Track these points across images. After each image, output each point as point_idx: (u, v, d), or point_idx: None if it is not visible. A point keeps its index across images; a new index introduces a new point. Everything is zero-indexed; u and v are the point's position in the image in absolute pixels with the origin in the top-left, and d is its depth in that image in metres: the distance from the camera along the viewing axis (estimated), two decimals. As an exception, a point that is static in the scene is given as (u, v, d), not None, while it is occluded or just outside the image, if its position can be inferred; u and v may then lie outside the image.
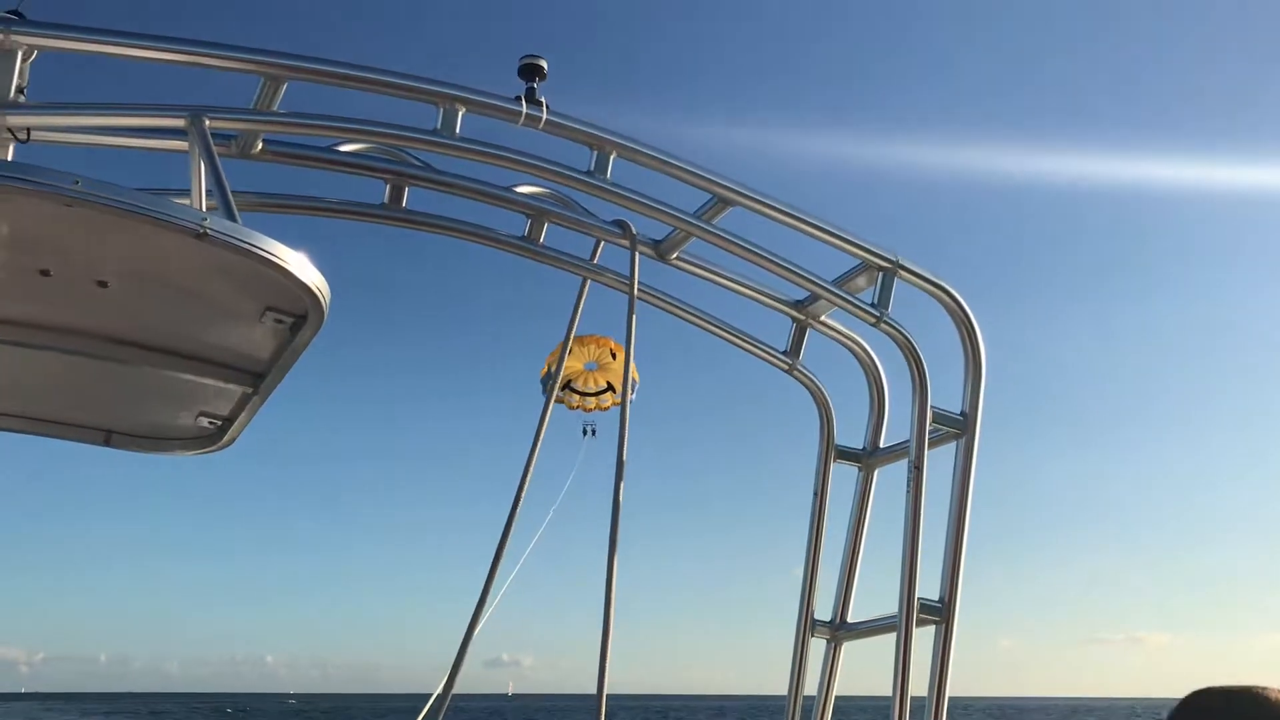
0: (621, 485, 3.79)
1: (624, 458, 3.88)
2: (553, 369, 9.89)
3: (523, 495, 5.08)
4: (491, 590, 5.06)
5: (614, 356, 11.67)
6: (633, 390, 11.15)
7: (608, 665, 3.66)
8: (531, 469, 5.07)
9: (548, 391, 5.55)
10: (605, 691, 3.62)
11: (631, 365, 10.30)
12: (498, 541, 5.02)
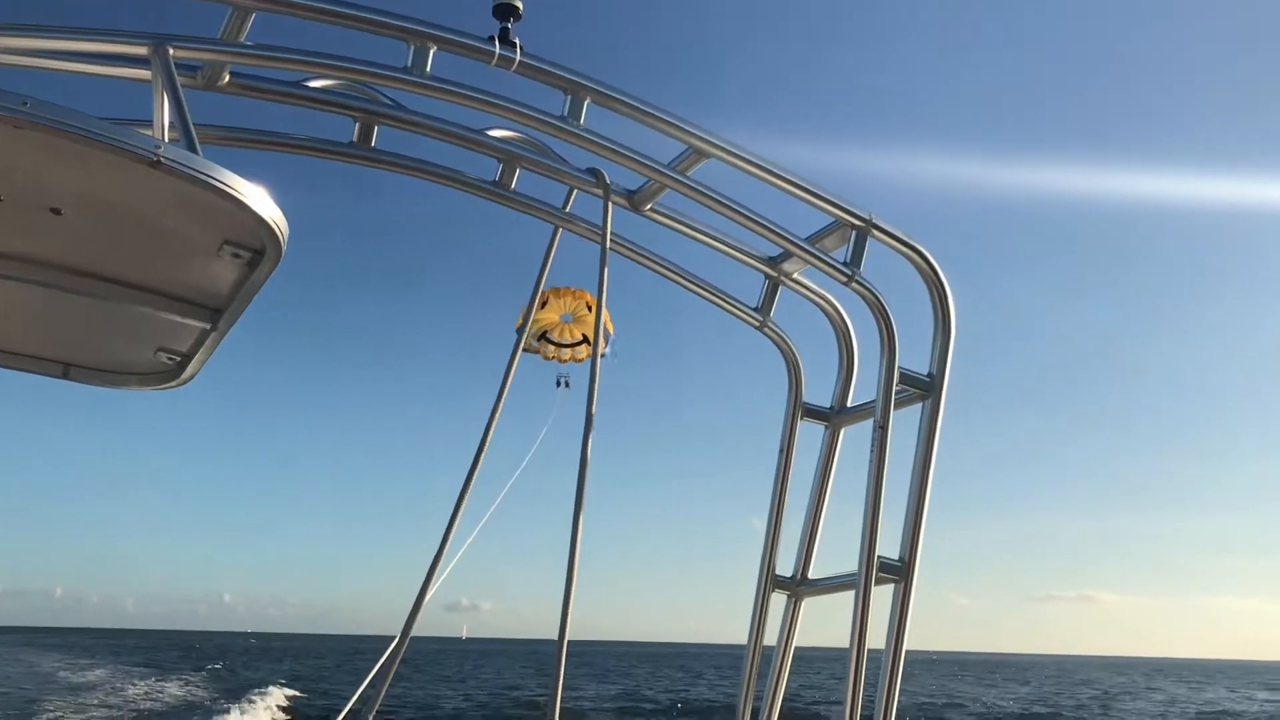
0: (589, 439, 3.77)
1: (593, 411, 3.84)
2: (528, 319, 9.83)
3: (487, 444, 5.04)
4: (452, 539, 5.04)
5: (590, 309, 11.66)
6: (606, 342, 11.14)
7: (570, 612, 3.64)
8: (497, 417, 5.04)
9: (516, 340, 5.50)
10: (567, 637, 3.61)
11: (606, 317, 10.26)
12: (460, 488, 5.00)
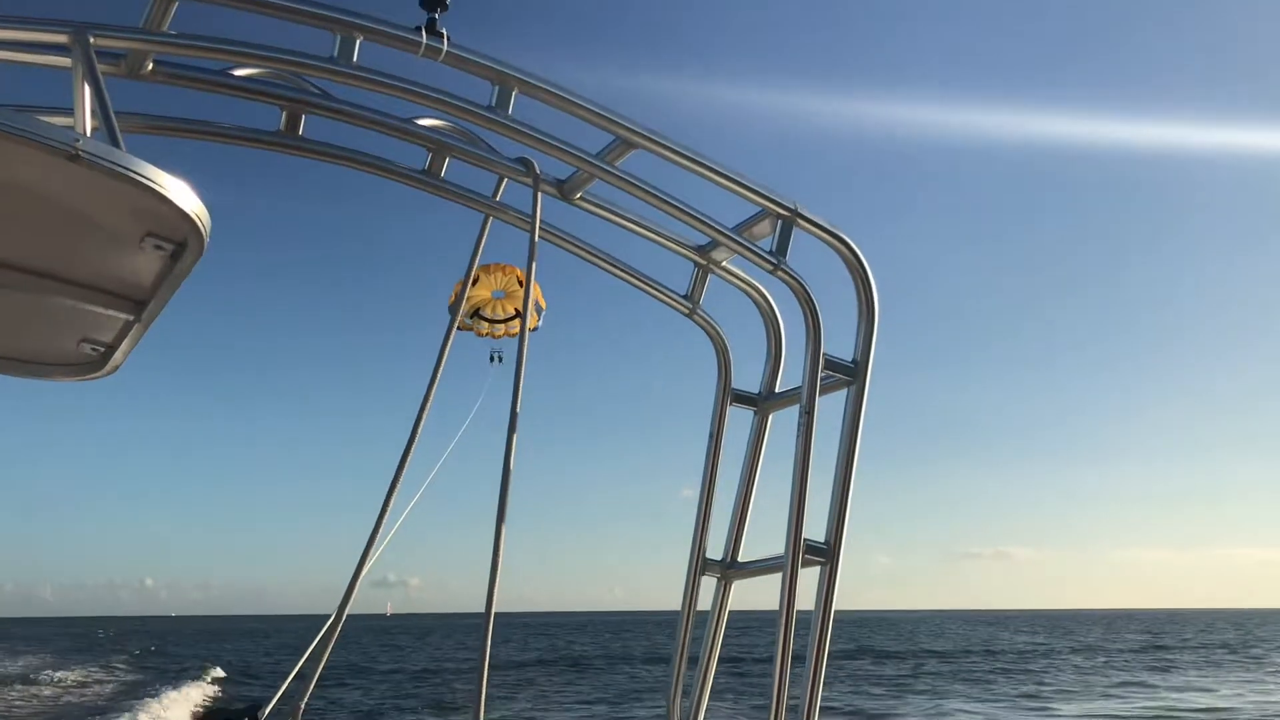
0: (517, 416, 3.81)
1: (520, 388, 3.88)
2: (460, 295, 9.84)
3: (423, 421, 5.06)
4: (388, 516, 5.04)
5: (520, 284, 11.71)
6: (539, 317, 11.21)
7: (496, 585, 3.68)
8: (433, 394, 5.04)
9: (450, 319, 5.51)
10: (494, 609, 3.65)
11: (538, 291, 10.31)
12: (396, 465, 5.00)
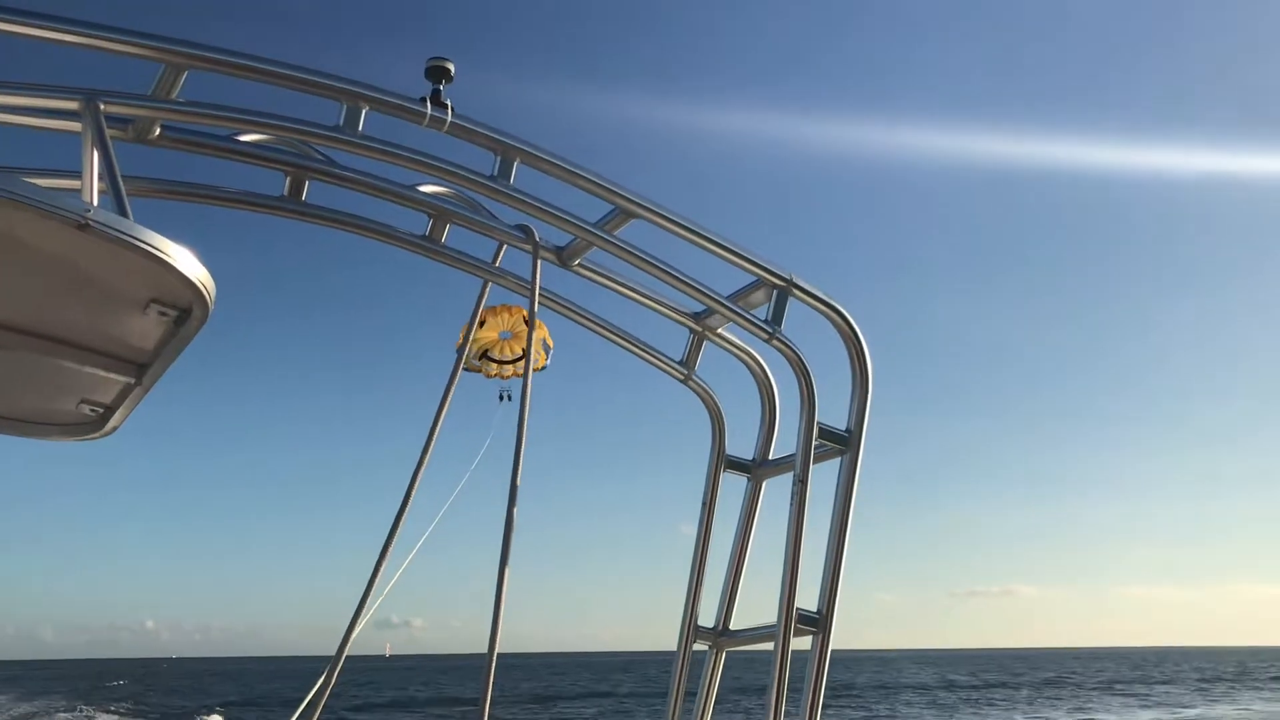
0: (520, 459, 3.86)
1: (524, 435, 3.92)
2: (467, 338, 9.94)
3: (425, 461, 5.07)
4: (389, 558, 5.03)
5: (527, 323, 11.85)
6: (547, 355, 11.36)
7: (499, 627, 3.69)
8: (436, 434, 5.06)
9: (456, 361, 5.53)
10: (496, 650, 3.66)
11: (545, 330, 10.45)
12: (399, 506, 5.01)
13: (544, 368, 11.43)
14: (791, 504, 4.20)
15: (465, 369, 10.07)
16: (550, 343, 11.42)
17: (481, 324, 10.10)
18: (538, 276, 4.12)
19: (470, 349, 10.09)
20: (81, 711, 58.88)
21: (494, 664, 3.65)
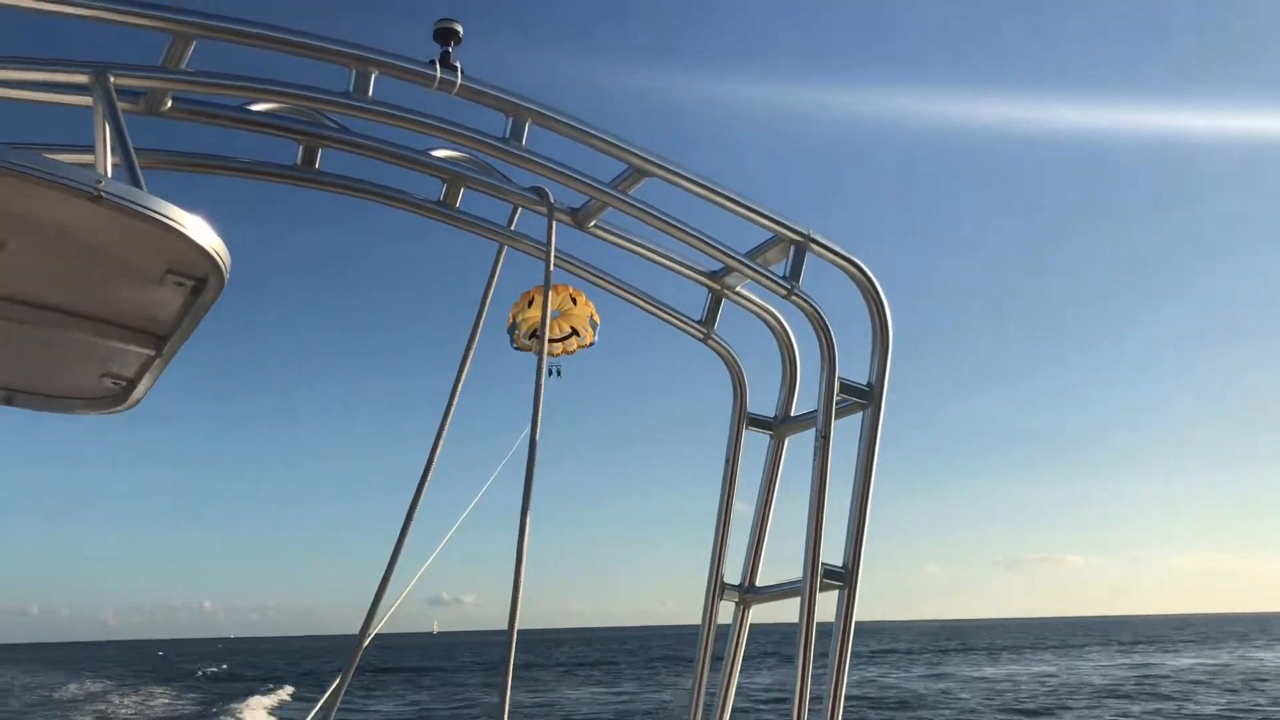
0: (537, 432, 3.87)
1: (540, 406, 3.93)
2: (517, 319, 10.04)
3: (443, 438, 5.08)
4: (409, 530, 5.04)
5: (575, 302, 12.03)
6: (594, 332, 11.52)
7: (519, 602, 3.71)
8: (453, 410, 5.05)
9: (470, 336, 5.47)
10: (516, 627, 3.68)
11: (591, 307, 10.55)
12: (418, 482, 5.03)
13: (592, 344, 11.57)
14: (815, 459, 4.19)
15: (516, 348, 10.18)
16: (597, 318, 11.53)
17: (530, 303, 10.22)
18: (553, 239, 4.10)
19: (520, 328, 10.17)
20: (147, 692, 60.11)
21: (515, 634, 3.66)
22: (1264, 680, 52.70)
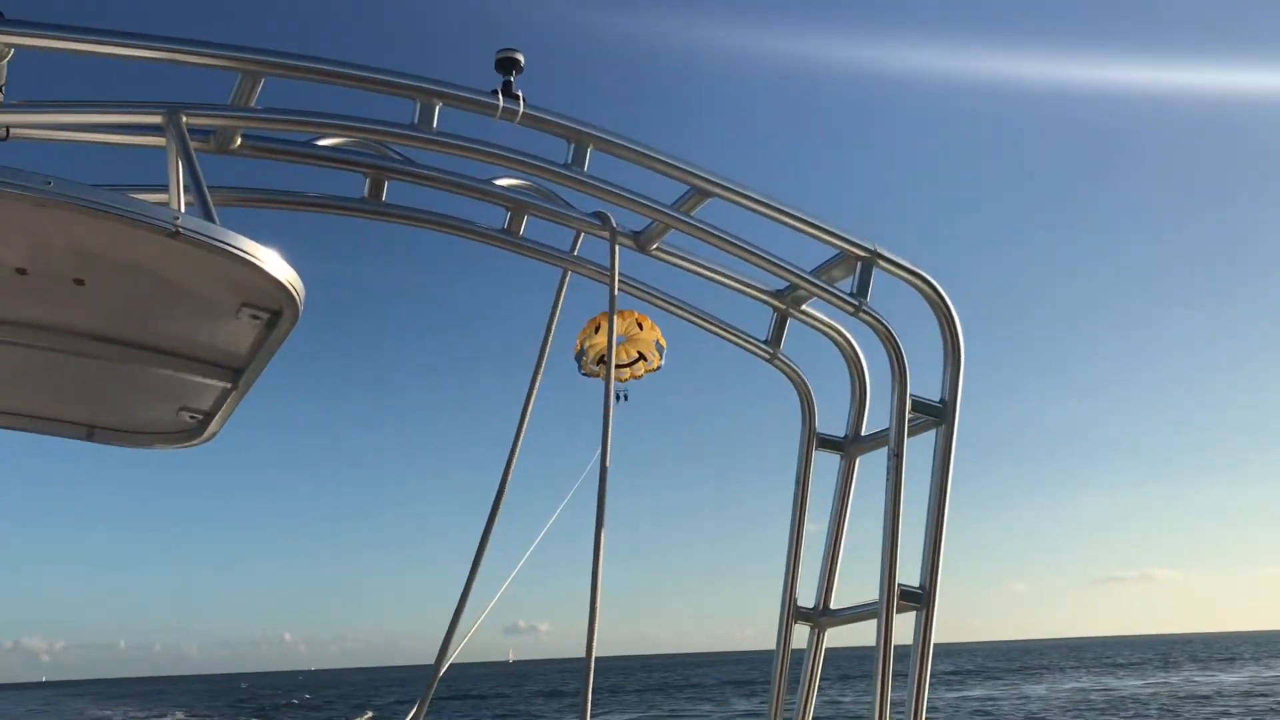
0: (608, 458, 3.88)
1: (609, 432, 3.94)
2: (584, 345, 10.13)
3: (513, 464, 5.08)
4: (482, 559, 5.05)
5: (641, 327, 12.16)
6: (661, 355, 11.64)
7: (595, 629, 3.70)
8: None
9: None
10: (594, 654, 3.67)
11: (658, 331, 10.63)
12: (489, 513, 5.04)
13: (659, 368, 11.63)
14: (888, 479, 4.13)
15: (584, 374, 10.25)
16: (663, 342, 11.60)
17: (597, 329, 10.31)
18: (616, 262, 4.11)
19: (588, 355, 10.24)
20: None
21: (593, 658, 3.65)
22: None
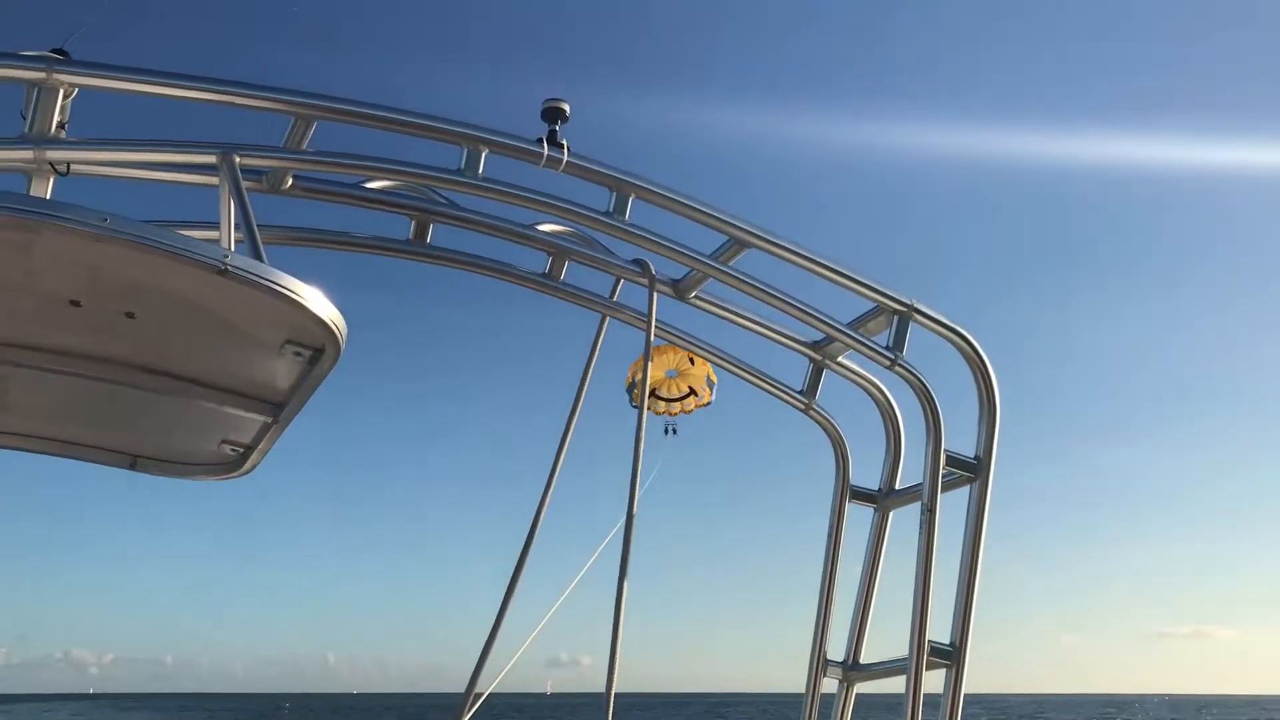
0: (636, 494, 3.94)
1: (638, 468, 4.01)
2: (636, 379, 10.25)
3: (546, 501, 5.09)
4: (513, 593, 5.05)
5: (692, 362, 12.35)
6: (712, 391, 11.78)
7: (617, 664, 3.73)
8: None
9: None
10: (614, 690, 3.69)
11: (708, 367, 10.73)
12: (525, 539, 5.06)
13: (709, 403, 11.74)
14: (920, 533, 4.12)
15: (634, 406, 10.33)
16: (714, 378, 11.72)
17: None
18: (654, 310, 4.16)
19: (639, 387, 10.34)
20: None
21: (612, 695, 3.67)
22: None
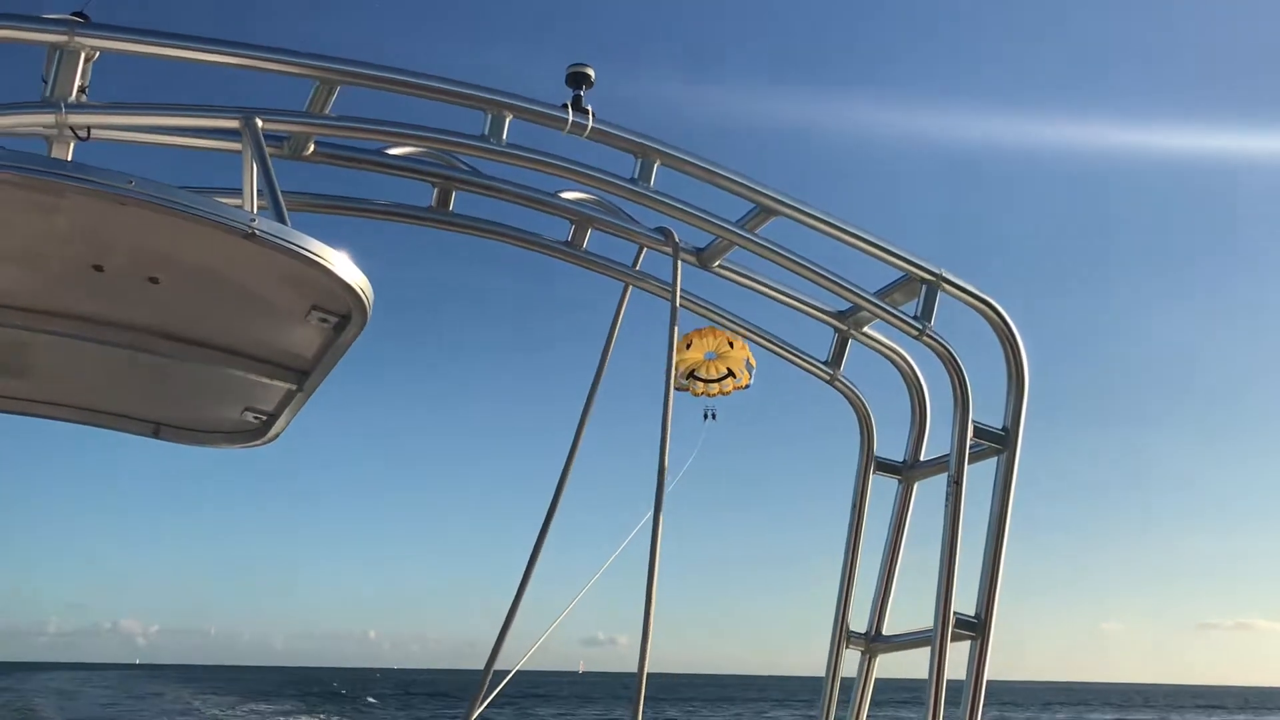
0: (665, 473, 3.90)
1: (666, 446, 3.95)
2: (684, 363, 10.26)
3: (568, 475, 5.08)
4: (534, 565, 5.03)
5: (732, 345, 12.33)
6: (750, 374, 11.82)
7: (649, 646, 3.71)
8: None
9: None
10: (645, 671, 3.68)
11: (747, 350, 10.77)
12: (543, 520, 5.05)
13: (748, 386, 11.73)
14: (946, 505, 4.08)
15: (678, 388, 10.33)
16: (753, 361, 11.68)
17: (688, 345, 10.45)
18: (678, 278, 4.12)
19: (678, 369, 10.32)
20: (319, 715, 62.64)
21: (645, 672, 3.66)
22: None
